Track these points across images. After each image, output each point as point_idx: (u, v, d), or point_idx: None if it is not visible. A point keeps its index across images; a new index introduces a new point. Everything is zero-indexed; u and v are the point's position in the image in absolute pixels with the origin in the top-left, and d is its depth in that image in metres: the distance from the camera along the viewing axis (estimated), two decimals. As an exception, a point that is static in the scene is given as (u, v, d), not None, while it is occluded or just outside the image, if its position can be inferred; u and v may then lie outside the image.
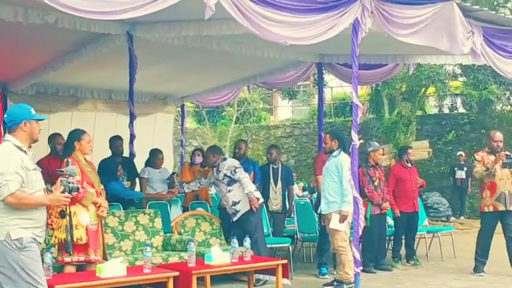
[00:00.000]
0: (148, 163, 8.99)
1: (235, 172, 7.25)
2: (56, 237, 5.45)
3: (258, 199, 7.27)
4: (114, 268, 5.28)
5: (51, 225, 4.70)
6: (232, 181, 7.26)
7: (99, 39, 8.04)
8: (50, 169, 6.77)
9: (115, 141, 8.55)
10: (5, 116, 4.13)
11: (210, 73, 10.80)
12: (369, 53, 9.20)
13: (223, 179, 7.30)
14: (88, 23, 7.12)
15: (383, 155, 8.72)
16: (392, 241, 8.97)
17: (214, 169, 7.44)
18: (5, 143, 4.13)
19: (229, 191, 7.28)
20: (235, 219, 7.29)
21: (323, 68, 10.74)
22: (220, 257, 5.98)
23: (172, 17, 7.37)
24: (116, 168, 8.13)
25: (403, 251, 8.83)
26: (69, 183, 4.30)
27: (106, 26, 7.43)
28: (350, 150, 6.79)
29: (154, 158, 8.98)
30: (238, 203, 7.24)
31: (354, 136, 6.68)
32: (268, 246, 7.61)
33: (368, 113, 18.51)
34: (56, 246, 5.64)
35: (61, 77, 9.98)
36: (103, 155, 8.64)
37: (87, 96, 11.59)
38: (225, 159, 7.52)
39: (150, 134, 12.58)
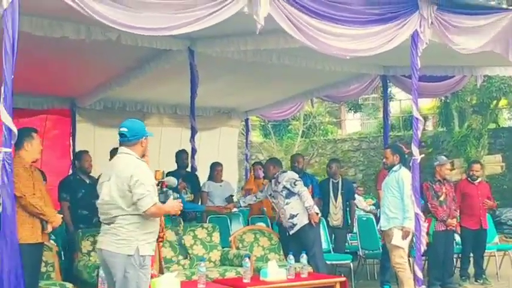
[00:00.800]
0: (209, 177, 9.03)
1: (295, 185, 7.16)
2: None
3: (317, 214, 7.16)
4: (168, 283, 5.29)
5: (163, 238, 4.86)
6: (291, 194, 7.17)
7: (162, 55, 8.16)
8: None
9: (180, 155, 8.66)
10: (125, 129, 4.20)
11: (271, 87, 10.79)
12: (434, 65, 8.97)
13: (282, 191, 7.21)
14: (149, 40, 7.23)
15: (451, 169, 8.41)
16: (460, 259, 8.62)
17: (273, 181, 7.36)
18: (129, 156, 4.19)
19: (287, 204, 7.17)
20: (292, 232, 7.18)
21: (388, 81, 10.53)
22: (276, 273, 5.91)
23: (231, 31, 7.44)
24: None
25: (471, 269, 8.47)
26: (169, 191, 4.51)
27: (167, 42, 7.53)
28: (411, 164, 6.59)
29: (213, 171, 9.05)
30: (295, 216, 7.13)
31: (415, 150, 6.49)
32: (329, 262, 7.46)
33: (438, 126, 18.01)
34: None
35: (127, 92, 10.17)
36: (169, 169, 8.76)
37: (153, 111, 11.77)
38: (285, 171, 7.45)
39: (215, 148, 12.67)
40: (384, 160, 7.16)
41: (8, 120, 4.20)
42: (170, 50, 7.85)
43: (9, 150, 4.22)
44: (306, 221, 7.08)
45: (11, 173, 4.23)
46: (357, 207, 12.44)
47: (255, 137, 20.01)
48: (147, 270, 4.13)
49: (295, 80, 10.27)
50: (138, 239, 4.04)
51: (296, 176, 7.34)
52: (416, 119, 6.60)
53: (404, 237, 6.61)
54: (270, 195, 7.49)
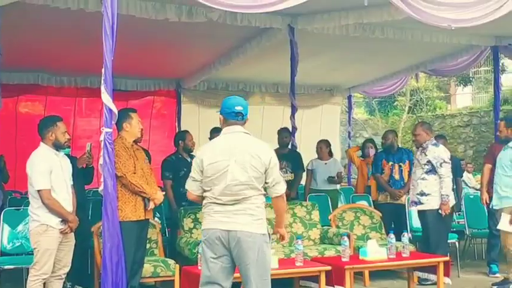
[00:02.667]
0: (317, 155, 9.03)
1: (441, 166, 6.62)
2: None
3: (451, 206, 6.78)
4: (266, 260, 5.30)
5: None
6: (432, 172, 6.66)
7: (262, 33, 8.20)
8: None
9: (281, 133, 8.61)
10: (240, 107, 4.02)
11: (374, 62, 10.56)
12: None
13: (425, 164, 6.70)
14: (249, 18, 7.27)
15: None
16: None
17: (420, 149, 6.81)
18: (251, 137, 4.08)
19: (423, 179, 6.71)
20: (413, 208, 6.89)
21: (499, 52, 9.98)
22: (376, 252, 5.78)
23: (332, 6, 7.32)
24: None
25: None
26: None
27: (267, 19, 7.54)
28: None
29: (317, 148, 8.98)
30: (426, 196, 6.66)
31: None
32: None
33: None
34: None
35: (230, 72, 10.32)
36: (273, 147, 8.78)
37: (255, 90, 11.90)
38: (437, 144, 6.87)
39: (317, 126, 12.62)
40: (498, 133, 6.76)
41: (108, 101, 4.34)
42: (271, 28, 7.85)
43: (110, 130, 4.38)
44: (435, 207, 6.61)
45: (112, 152, 4.39)
46: (466, 185, 12.02)
47: (360, 114, 19.72)
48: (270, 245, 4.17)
49: (399, 54, 10.00)
50: (265, 219, 4.07)
51: (446, 156, 6.75)
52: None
53: (511, 221, 6.23)
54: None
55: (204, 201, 4.05)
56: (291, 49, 8.12)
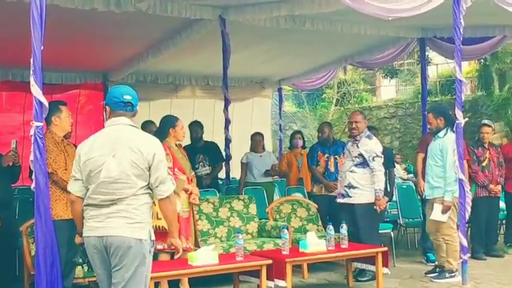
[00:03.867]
0: (250, 147, 8.94)
1: (373, 160, 6.47)
2: None
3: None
4: (206, 256, 5.18)
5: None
6: (363, 165, 6.51)
7: (193, 24, 8.02)
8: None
9: (192, 127, 8.43)
10: (129, 97, 3.64)
11: (305, 54, 10.58)
12: (473, 25, 8.63)
13: (356, 157, 6.53)
14: (179, 9, 7.11)
15: (491, 134, 8.07)
16: (505, 225, 8.37)
17: (352, 140, 6.64)
18: (138, 130, 3.71)
19: (351, 171, 6.54)
20: (340, 201, 6.63)
21: (425, 45, 10.19)
22: (315, 244, 5.74)
23: (263, -2, 7.24)
24: None
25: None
26: None
27: (198, 11, 7.39)
28: (454, 129, 6.31)
29: (252, 141, 8.99)
30: (354, 189, 6.51)
31: (459, 114, 6.22)
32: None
33: (477, 90, 17.51)
34: None
35: (159, 64, 10.09)
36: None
37: (185, 83, 11.71)
38: (370, 136, 6.70)
39: (248, 119, 12.55)
40: (428, 126, 6.86)
41: (38, 94, 4.09)
42: (201, 19, 7.68)
43: (40, 124, 4.12)
44: (363, 201, 6.47)
45: (43, 147, 4.15)
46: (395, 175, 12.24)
47: (288, 107, 19.78)
48: (151, 256, 3.66)
49: (328, 46, 10.06)
50: (149, 222, 3.61)
51: (379, 150, 6.59)
52: (460, 81, 6.32)
53: (444, 211, 6.34)
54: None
55: (82, 204, 3.61)
56: (223, 41, 8.01)
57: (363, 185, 6.51)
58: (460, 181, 6.16)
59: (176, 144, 5.89)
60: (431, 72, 18.20)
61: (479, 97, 17.07)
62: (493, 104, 15.82)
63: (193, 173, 5.96)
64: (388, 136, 18.40)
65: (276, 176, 9.33)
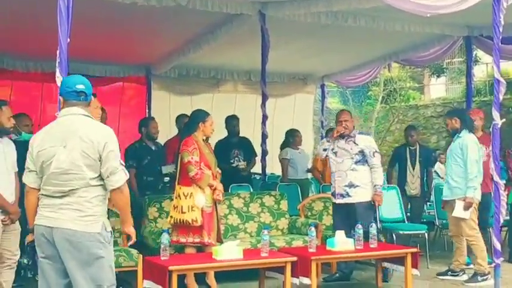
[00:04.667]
0: (287, 143, 8.93)
1: (373, 155, 6.38)
2: (171, 217, 5.49)
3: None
4: (230, 251, 5.20)
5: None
6: (362, 162, 6.38)
7: (233, 19, 8.04)
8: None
9: (231, 121, 8.43)
10: (82, 86, 3.60)
11: (347, 51, 10.47)
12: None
13: (356, 154, 6.39)
14: (220, 4, 7.16)
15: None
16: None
17: (346, 138, 6.45)
18: (91, 119, 3.63)
19: (352, 170, 6.37)
20: (340, 201, 6.41)
21: (472, 43, 9.95)
22: (343, 243, 5.69)
23: (303, -7, 7.20)
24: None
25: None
26: None
27: (238, 6, 7.43)
28: (491, 130, 6.15)
29: (293, 137, 9.02)
30: (355, 188, 6.35)
31: (495, 114, 6.03)
32: (403, 233, 7.18)
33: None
34: (172, 227, 5.68)
35: (201, 59, 10.14)
36: (243, 135, 8.69)
37: (227, 78, 11.72)
38: (363, 133, 6.67)
39: (290, 115, 12.50)
40: (447, 128, 6.80)
41: (63, 85, 4.13)
42: (241, 14, 7.70)
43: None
44: (367, 199, 6.35)
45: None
46: (438, 175, 12.00)
47: (334, 103, 19.63)
48: (112, 246, 3.61)
49: (372, 43, 9.91)
50: (103, 214, 3.52)
51: (376, 146, 6.57)
52: (498, 81, 6.12)
53: (466, 207, 6.23)
54: (332, 149, 6.51)
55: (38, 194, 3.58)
56: (262, 36, 8.01)
57: (365, 183, 6.38)
58: (496, 184, 5.99)
59: (203, 140, 5.90)
60: (481, 71, 17.77)
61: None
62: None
63: (218, 170, 5.96)
64: (434, 135, 18.03)
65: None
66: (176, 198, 5.64)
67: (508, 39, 8.72)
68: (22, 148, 5.41)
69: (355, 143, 6.43)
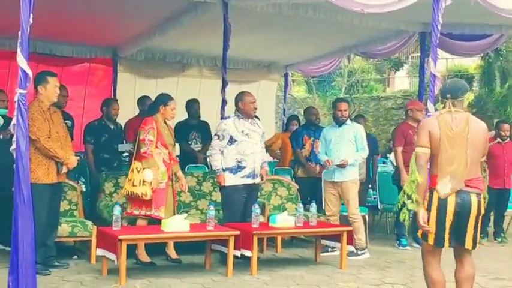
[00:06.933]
0: None
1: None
2: (125, 189, 5.88)
3: None
4: (178, 223, 5.61)
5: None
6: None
7: (198, 7, 8.30)
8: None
9: (192, 105, 8.78)
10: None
11: (309, 42, 10.79)
12: (472, 23, 8.88)
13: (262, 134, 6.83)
14: (183, -10, 7.39)
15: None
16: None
17: (250, 120, 6.68)
18: None
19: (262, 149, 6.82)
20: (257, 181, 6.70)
21: (426, 38, 10.41)
22: (284, 220, 6.14)
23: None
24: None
25: (492, 228, 8.56)
26: None
27: (200, -6, 7.67)
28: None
29: None
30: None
31: (430, 106, 6.53)
32: (345, 214, 7.64)
33: (480, 87, 17.62)
34: (127, 200, 6.06)
35: (168, 43, 10.36)
36: (206, 119, 9.08)
37: (193, 62, 11.90)
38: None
39: (254, 101, 12.82)
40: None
41: (23, 63, 4.45)
42: (205, 2, 7.96)
43: (24, 91, 4.50)
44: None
45: (26, 113, 4.53)
46: (392, 164, 12.50)
47: (299, 92, 20.06)
48: None
49: (331, 35, 10.22)
50: None
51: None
52: (434, 75, 6.62)
53: None
54: (242, 131, 6.52)
55: None
56: (224, 24, 8.30)
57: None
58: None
59: (165, 122, 6.28)
60: (442, 65, 18.33)
61: (483, 93, 17.20)
62: (493, 101, 15.95)
63: (175, 156, 6.42)
64: (394, 126, 18.57)
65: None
66: (130, 172, 6.03)
67: (466, 37, 9.29)
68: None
69: (259, 125, 6.82)
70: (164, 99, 6.31)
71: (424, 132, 4.24)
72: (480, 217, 4.30)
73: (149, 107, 6.63)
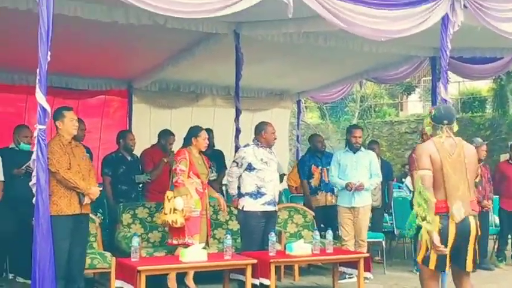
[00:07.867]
0: None
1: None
2: (159, 218, 6.36)
3: None
4: (195, 253, 5.65)
5: None
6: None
7: (210, 38, 8.44)
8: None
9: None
10: None
11: (320, 69, 10.88)
12: (483, 46, 8.94)
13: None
14: (196, 23, 7.49)
15: (487, 151, 8.37)
16: (497, 240, 8.64)
17: (268, 149, 6.82)
18: None
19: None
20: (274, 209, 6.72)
21: (437, 63, 10.48)
22: (301, 248, 6.16)
23: (274, 16, 7.65)
24: None
25: (509, 251, 8.53)
26: None
27: (213, 25, 7.77)
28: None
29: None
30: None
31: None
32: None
33: (493, 109, 17.59)
34: (166, 228, 6.35)
35: (181, 74, 10.51)
36: (220, 148, 9.21)
37: (206, 92, 12.04)
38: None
39: (267, 129, 12.89)
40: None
41: (41, 99, 4.58)
42: (217, 33, 8.11)
43: (43, 127, 4.62)
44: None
45: (45, 148, 4.64)
46: (408, 189, 12.50)
47: (312, 118, 20.14)
48: None
49: (343, 62, 10.32)
50: None
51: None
52: (445, 100, 6.68)
53: None
54: (261, 160, 6.59)
55: None
56: (236, 54, 8.42)
57: None
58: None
59: (200, 152, 6.56)
60: (455, 89, 18.35)
61: (497, 116, 17.17)
62: (506, 124, 15.90)
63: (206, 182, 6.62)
64: (408, 151, 18.56)
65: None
66: (164, 201, 6.28)
67: (477, 60, 9.36)
68: (19, 157, 5.92)
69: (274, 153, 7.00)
70: (195, 131, 6.61)
71: (425, 155, 4.34)
72: (478, 239, 4.36)
73: (183, 139, 6.80)
